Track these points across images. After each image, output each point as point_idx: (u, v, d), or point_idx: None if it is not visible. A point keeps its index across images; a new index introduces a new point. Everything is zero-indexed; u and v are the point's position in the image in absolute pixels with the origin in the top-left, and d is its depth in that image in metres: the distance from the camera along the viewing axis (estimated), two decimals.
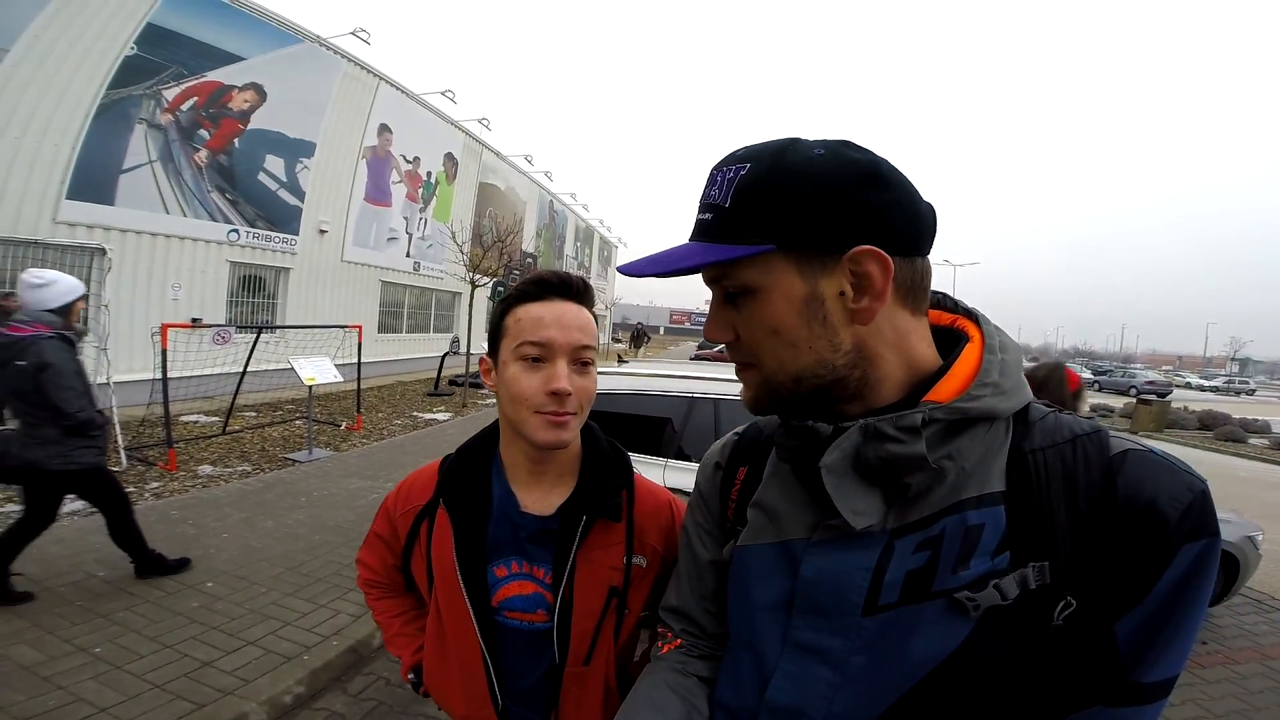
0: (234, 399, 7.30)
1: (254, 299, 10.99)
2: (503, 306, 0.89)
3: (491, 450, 0.96)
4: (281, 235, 11.15)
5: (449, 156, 17.15)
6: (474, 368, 12.82)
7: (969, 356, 0.60)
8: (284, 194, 11.22)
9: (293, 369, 6.61)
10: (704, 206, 0.59)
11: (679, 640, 0.78)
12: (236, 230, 10.21)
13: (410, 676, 1.05)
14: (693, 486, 0.85)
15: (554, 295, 0.86)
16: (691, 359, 19.71)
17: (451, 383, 12.64)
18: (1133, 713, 0.54)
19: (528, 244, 21.42)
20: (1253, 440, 14.03)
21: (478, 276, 11.85)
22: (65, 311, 3.01)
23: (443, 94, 16.31)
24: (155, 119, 8.85)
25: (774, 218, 0.54)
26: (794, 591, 0.62)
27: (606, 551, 0.91)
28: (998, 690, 0.54)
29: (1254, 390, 46.04)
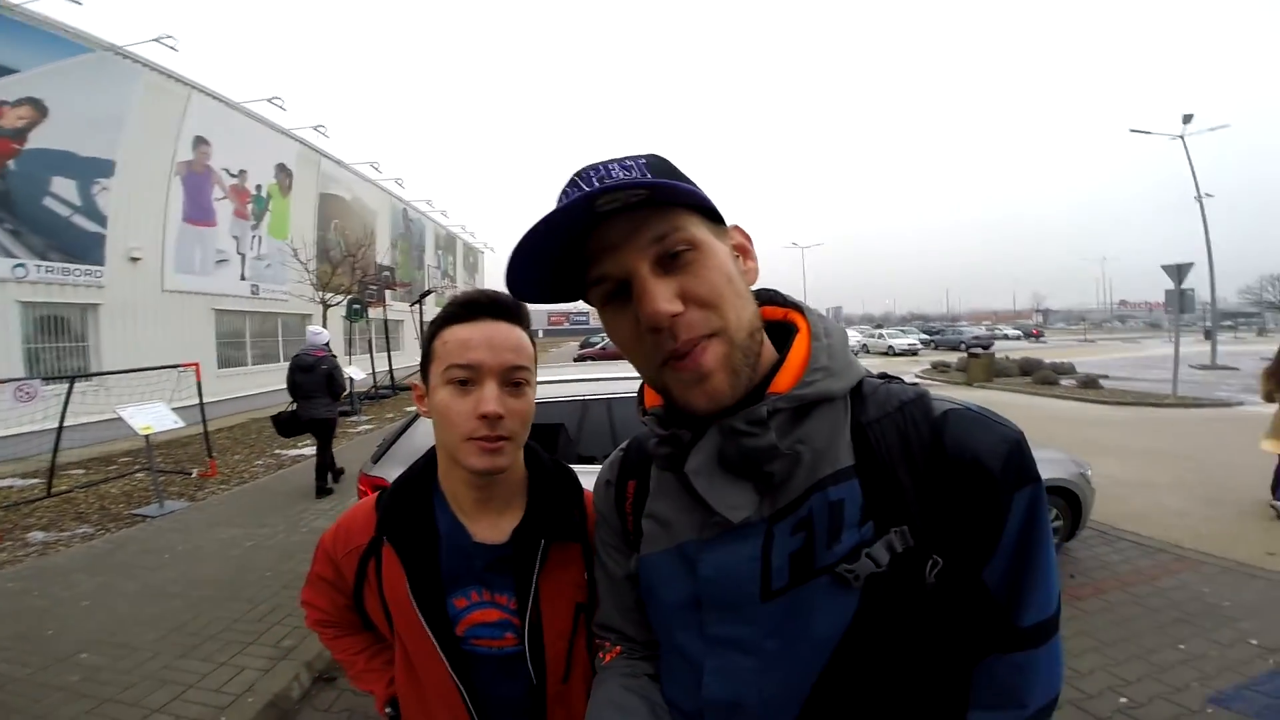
0: (54, 457, 6.37)
1: (58, 343, 9.48)
2: (431, 330, 0.86)
3: (430, 481, 0.92)
4: (83, 267, 9.71)
5: (281, 167, 15.80)
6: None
7: (799, 346, 0.64)
8: (79, 219, 9.76)
9: (122, 419, 5.92)
10: (615, 188, 0.54)
11: (619, 648, 0.80)
12: (23, 265, 8.75)
13: (388, 710, 1.00)
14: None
15: (483, 315, 0.83)
16: (575, 360, 19.46)
17: None
18: (1024, 657, 0.58)
19: (382, 256, 20.31)
20: (1063, 381, 15.42)
21: (328, 295, 11.13)
22: (327, 345, 6.31)
23: (269, 101, 14.98)
24: None
25: (688, 192, 0.57)
26: (698, 591, 0.64)
27: (566, 570, 0.90)
28: (903, 653, 0.58)
29: (1044, 335, 53.66)
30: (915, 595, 0.57)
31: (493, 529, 0.89)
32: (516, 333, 0.85)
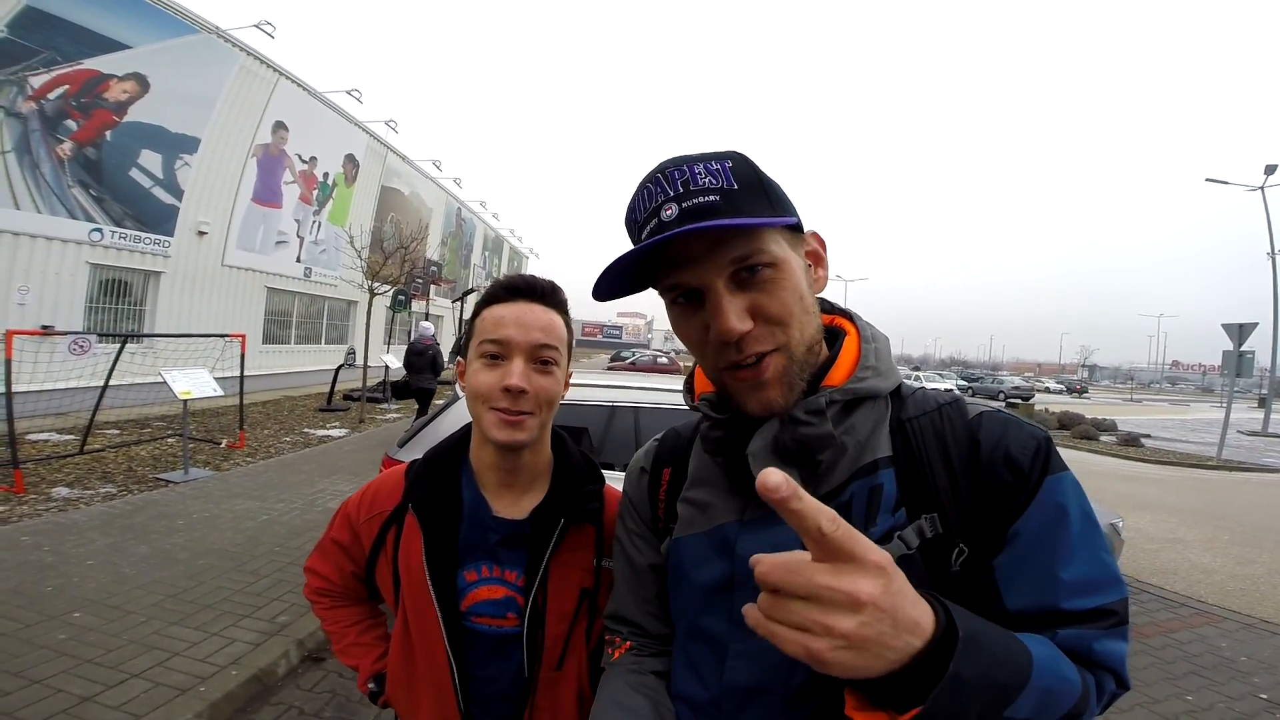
0: (93, 414, 6.62)
1: (118, 305, 9.93)
2: (475, 309, 0.92)
3: (461, 456, 0.96)
4: (153, 236, 10.20)
5: (349, 158, 16.43)
6: (372, 381, 12.33)
7: (850, 347, 0.68)
8: (159, 192, 10.30)
9: (164, 382, 6.10)
10: (699, 193, 0.59)
11: (629, 643, 0.81)
12: (100, 229, 9.23)
13: (371, 686, 1.01)
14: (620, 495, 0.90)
15: (519, 297, 0.88)
16: (607, 370, 19.66)
17: (346, 397, 12.03)
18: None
19: (432, 251, 20.81)
20: (1104, 438, 15.17)
21: (376, 284, 11.41)
22: (433, 336, 8.85)
23: (348, 93, 15.71)
24: (15, 107, 7.95)
25: (772, 199, 0.62)
26: (733, 571, 0.66)
27: (578, 554, 0.92)
28: None
29: (1086, 390, 52.72)
30: (940, 581, 0.58)
31: (514, 506, 0.91)
32: (549, 314, 0.88)
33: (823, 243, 0.70)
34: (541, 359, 0.86)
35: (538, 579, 0.88)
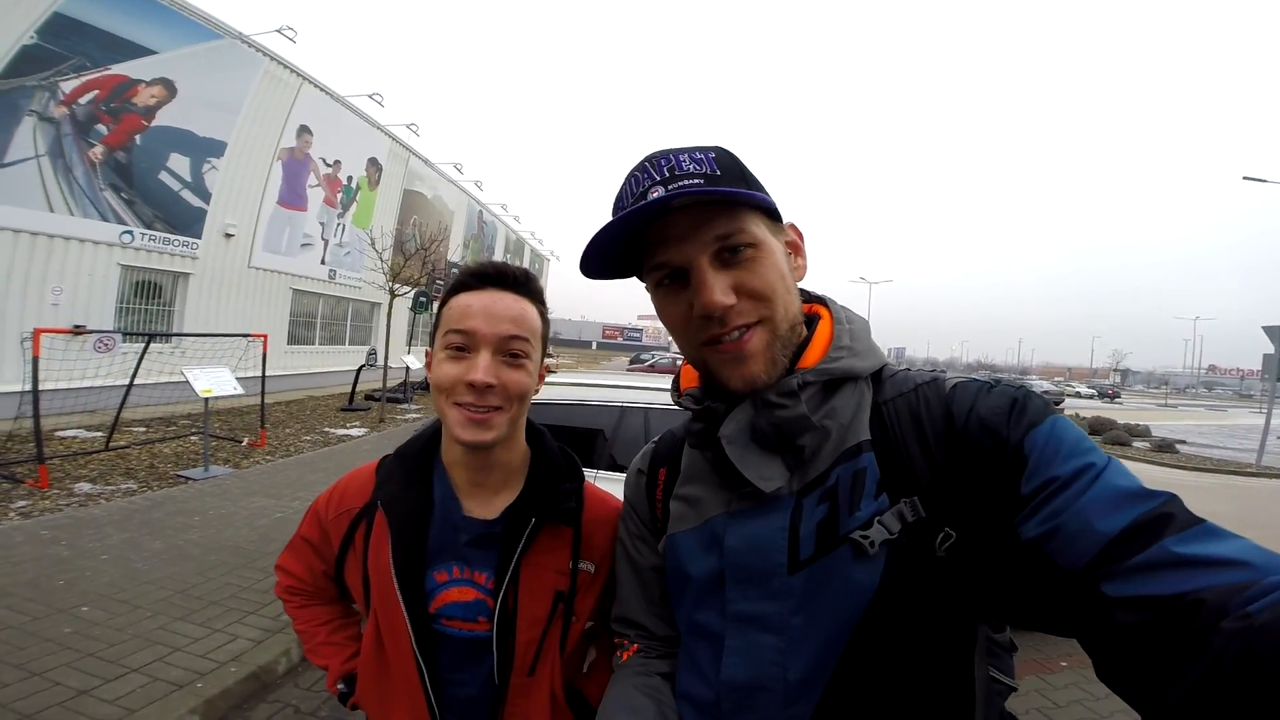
0: (119, 412, 6.76)
1: (149, 306, 10.19)
2: (443, 297, 0.87)
3: (433, 453, 0.92)
4: (182, 238, 10.44)
5: (373, 161, 16.66)
6: (393, 382, 12.44)
7: (822, 330, 0.69)
8: (187, 195, 10.55)
9: (187, 381, 6.23)
10: (684, 177, 0.61)
11: (636, 645, 0.80)
12: (130, 232, 9.48)
13: (340, 686, 0.97)
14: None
15: (488, 285, 0.83)
16: (626, 371, 19.80)
17: (368, 397, 12.18)
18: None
19: (454, 254, 21.00)
20: (1137, 444, 14.79)
21: (398, 286, 11.54)
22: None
23: (370, 97, 15.90)
24: (48, 112, 8.18)
25: (751, 186, 0.64)
26: (723, 565, 0.66)
27: (552, 555, 0.88)
28: (922, 632, 0.59)
29: (1119, 395, 51.23)
30: (926, 567, 0.58)
31: (486, 505, 0.88)
32: (521, 304, 0.84)
33: (800, 234, 0.72)
34: (511, 351, 0.81)
35: (506, 581, 0.84)
